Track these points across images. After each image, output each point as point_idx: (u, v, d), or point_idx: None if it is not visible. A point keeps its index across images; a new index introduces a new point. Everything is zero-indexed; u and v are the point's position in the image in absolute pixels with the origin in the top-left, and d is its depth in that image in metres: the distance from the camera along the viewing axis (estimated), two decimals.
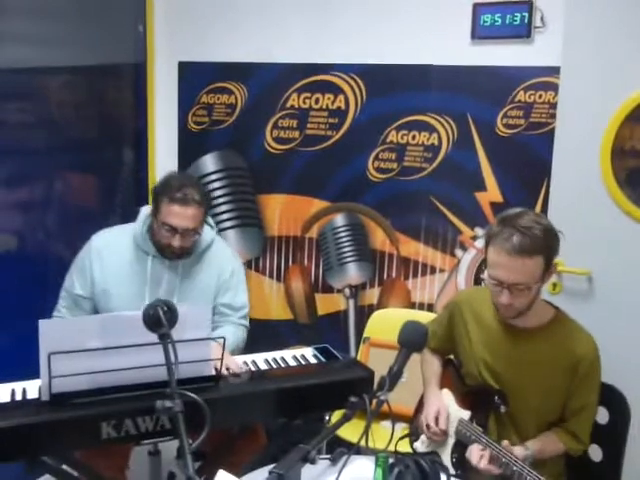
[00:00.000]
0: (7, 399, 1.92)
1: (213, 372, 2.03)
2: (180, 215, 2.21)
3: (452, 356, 2.30)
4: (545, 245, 1.86)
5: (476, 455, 1.87)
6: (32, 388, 1.95)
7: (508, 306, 1.91)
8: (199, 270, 2.40)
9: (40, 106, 3.05)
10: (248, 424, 2.29)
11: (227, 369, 2.10)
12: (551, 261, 1.89)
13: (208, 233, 2.43)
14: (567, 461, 2.08)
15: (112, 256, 2.35)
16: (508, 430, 2.03)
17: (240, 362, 2.21)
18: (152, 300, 2.25)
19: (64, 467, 2.04)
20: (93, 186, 3.41)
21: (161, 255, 2.33)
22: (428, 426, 2.12)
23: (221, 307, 2.45)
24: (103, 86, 3.34)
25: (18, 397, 1.93)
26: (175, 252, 2.29)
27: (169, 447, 1.93)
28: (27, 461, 1.85)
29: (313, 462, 1.52)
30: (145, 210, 2.38)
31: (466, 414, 2.08)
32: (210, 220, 2.49)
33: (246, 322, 2.55)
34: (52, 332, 1.80)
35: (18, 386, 1.98)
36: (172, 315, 1.66)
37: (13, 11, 2.81)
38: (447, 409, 2.14)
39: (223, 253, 2.48)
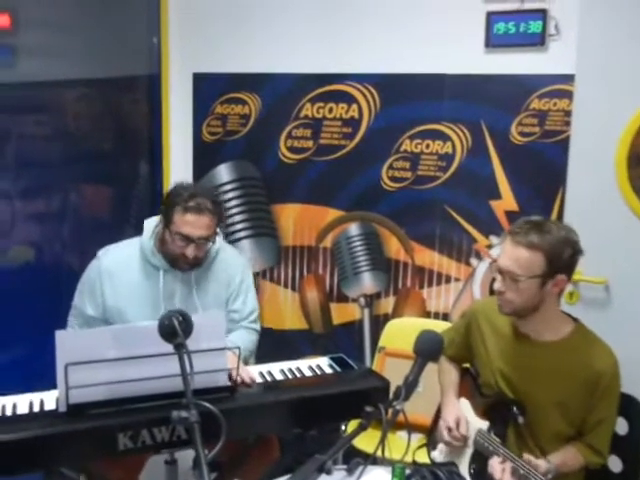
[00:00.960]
0: (25, 410, 1.93)
1: (228, 382, 2.03)
2: (195, 224, 2.21)
3: (469, 365, 2.29)
4: (553, 249, 1.85)
5: (498, 469, 1.86)
6: (50, 399, 1.96)
7: (500, 294, 1.93)
8: (210, 280, 2.40)
9: (56, 118, 3.09)
10: (263, 434, 2.29)
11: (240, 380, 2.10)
12: (556, 269, 1.88)
13: (215, 242, 2.44)
14: (586, 473, 2.06)
15: (123, 275, 2.33)
16: (527, 442, 2.01)
17: (254, 373, 2.21)
18: None
19: (81, 478, 2.05)
20: (108, 197, 3.44)
21: (172, 267, 2.32)
22: (449, 429, 2.10)
23: (232, 313, 2.45)
24: (118, 98, 3.38)
25: (36, 408, 1.94)
26: (189, 262, 2.28)
27: (186, 456, 1.94)
28: (45, 472, 1.87)
29: (329, 472, 1.52)
30: (151, 223, 2.37)
31: (484, 424, 2.06)
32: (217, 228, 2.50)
33: (257, 325, 2.55)
34: (69, 343, 1.82)
35: (36, 397, 2.00)
36: (187, 325, 1.67)
37: (28, 24, 2.85)
38: (466, 417, 2.13)
39: (231, 260, 2.48)
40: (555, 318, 2.00)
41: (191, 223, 2.20)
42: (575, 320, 2.04)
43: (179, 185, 2.32)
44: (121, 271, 2.33)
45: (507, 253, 1.89)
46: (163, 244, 2.30)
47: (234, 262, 2.49)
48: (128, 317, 2.30)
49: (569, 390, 1.95)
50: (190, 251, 2.24)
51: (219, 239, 2.45)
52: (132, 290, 2.32)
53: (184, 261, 2.27)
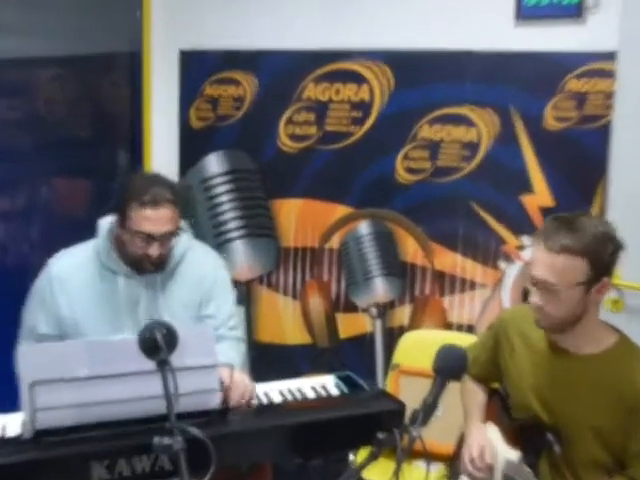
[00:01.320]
0: None
1: (219, 404, 2.02)
2: (155, 219, 2.19)
3: (497, 385, 2.28)
4: (594, 249, 1.83)
5: None
6: (13, 424, 1.94)
7: (538, 310, 1.92)
8: (177, 283, 2.39)
9: (25, 101, 3.09)
10: (259, 463, 2.28)
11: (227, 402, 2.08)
12: (601, 272, 1.86)
13: (182, 239, 2.43)
14: None
15: (77, 283, 2.31)
16: (563, 473, 1.99)
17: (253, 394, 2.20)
18: (132, 327, 2.28)
19: None
20: (84, 191, 3.44)
21: (135, 271, 2.31)
22: (472, 460, 2.08)
23: (206, 320, 2.44)
24: (95, 79, 3.38)
25: None
26: (154, 263, 2.28)
27: None
28: None
29: None
30: (105, 222, 2.35)
31: (514, 454, 2.04)
32: (183, 223, 2.49)
33: (239, 332, 2.53)
34: (34, 359, 1.80)
35: None
36: (171, 338, 1.66)
37: None
38: (493, 445, 2.11)
39: (203, 258, 2.47)
40: (597, 328, 1.98)
41: (150, 219, 2.19)
42: (619, 332, 2.02)
43: (132, 177, 2.33)
44: (74, 278, 2.32)
45: (540, 261, 1.87)
46: (122, 246, 2.29)
47: (205, 260, 2.49)
48: (86, 330, 2.29)
49: (608, 412, 1.93)
50: (154, 250, 2.23)
51: (187, 237, 2.44)
52: (88, 299, 2.31)
53: (149, 262, 2.27)
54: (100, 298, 2.32)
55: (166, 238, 2.25)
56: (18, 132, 3.08)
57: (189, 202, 2.38)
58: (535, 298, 1.91)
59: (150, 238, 2.22)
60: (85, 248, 2.39)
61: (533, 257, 1.92)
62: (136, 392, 1.82)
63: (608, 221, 1.95)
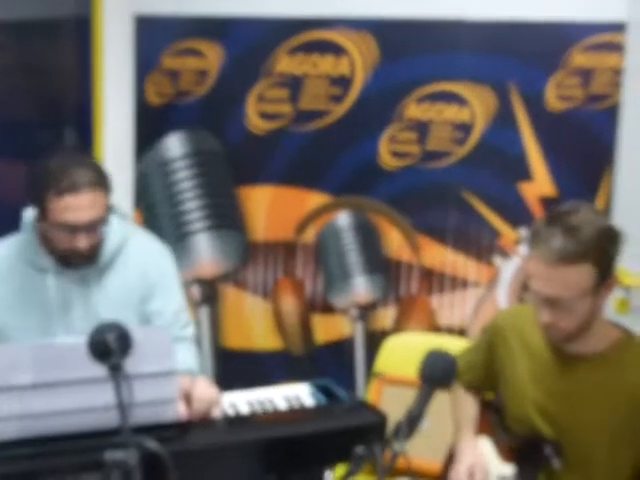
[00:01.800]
0: None
1: (178, 416, 2.03)
2: (77, 207, 2.16)
3: (491, 395, 2.31)
4: (596, 249, 1.87)
5: None
6: None
7: (551, 326, 1.93)
8: (116, 277, 2.38)
9: None
10: None
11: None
12: (607, 270, 1.90)
13: (118, 227, 2.42)
14: None
15: (0, 281, 2.31)
16: None
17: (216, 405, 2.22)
18: (65, 333, 2.28)
19: None
20: (21, 178, 3.42)
21: (64, 267, 2.32)
22: None
23: (152, 317, 2.44)
24: (37, 47, 3.36)
25: None
26: (84, 255, 2.27)
27: None
28: None
29: None
30: (30, 214, 2.33)
31: (509, 470, 2.08)
32: (120, 208, 2.48)
33: (190, 331, 2.54)
34: None
35: None
36: (124, 342, 1.67)
37: None
38: (485, 463, 2.15)
39: (145, 246, 2.47)
40: (601, 326, 2.03)
41: (72, 207, 2.17)
42: (618, 327, 2.07)
43: (46, 162, 2.31)
44: None
45: (544, 276, 1.87)
46: (46, 241, 2.30)
47: (148, 248, 2.48)
48: (12, 336, 2.29)
49: (618, 416, 1.97)
50: (82, 242, 2.20)
51: (124, 222, 2.45)
52: (12, 301, 2.30)
53: (78, 255, 2.27)
54: (27, 302, 2.30)
55: (93, 227, 2.22)
56: None
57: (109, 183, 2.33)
58: (545, 317, 1.91)
59: (74, 229, 2.21)
60: (7, 244, 2.37)
61: (533, 271, 1.91)
62: (85, 402, 1.83)
63: (599, 213, 1.97)
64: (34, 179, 2.24)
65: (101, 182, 2.23)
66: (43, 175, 2.21)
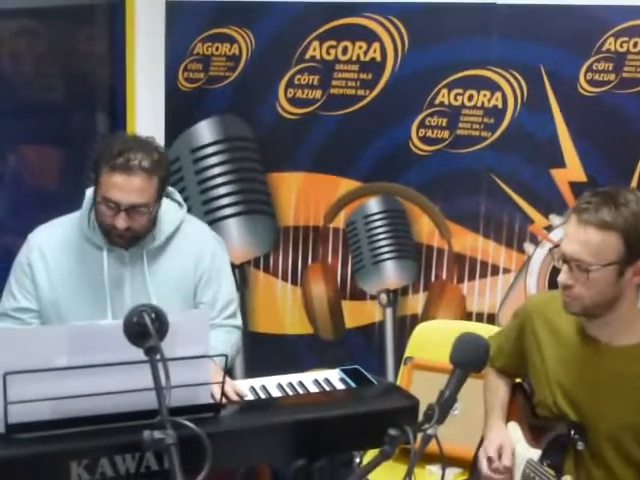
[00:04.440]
0: None
1: (211, 399, 2.05)
2: (123, 187, 2.21)
3: (522, 379, 2.32)
4: (631, 226, 1.86)
5: None
6: None
7: (566, 289, 1.94)
8: (169, 262, 2.42)
9: None
10: (256, 465, 2.32)
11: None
12: (636, 252, 1.90)
13: (175, 212, 2.46)
14: None
15: (58, 256, 2.36)
16: (591, 475, 2.04)
17: (243, 388, 2.24)
18: (116, 309, 2.30)
19: None
20: (57, 162, 3.45)
21: (110, 243, 2.35)
22: (490, 459, 2.13)
23: (203, 307, 2.46)
24: (70, 33, 3.38)
25: None
26: (122, 236, 2.29)
27: None
28: None
29: None
30: (91, 192, 2.38)
31: (536, 454, 2.09)
32: (177, 195, 2.51)
33: (236, 321, 2.57)
34: (7, 346, 1.83)
35: None
36: (161, 324, 1.68)
37: None
38: (513, 445, 2.16)
39: (198, 235, 2.50)
40: (633, 317, 2.01)
41: (119, 185, 2.21)
42: None
43: (112, 137, 2.33)
44: (56, 251, 2.37)
45: (573, 235, 1.91)
46: (96, 214, 2.33)
47: (202, 237, 2.51)
48: (65, 311, 2.34)
49: None
50: (120, 222, 2.24)
51: (183, 211, 2.47)
52: (69, 275, 2.36)
53: (116, 234, 2.29)
54: (81, 276, 2.36)
55: (135, 211, 2.25)
56: None
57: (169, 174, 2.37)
58: (564, 276, 1.94)
59: (117, 207, 2.24)
60: (68, 220, 2.43)
61: (565, 231, 1.96)
62: (121, 384, 1.85)
63: None
64: (97, 152, 2.28)
65: (156, 170, 2.26)
66: (104, 150, 2.25)
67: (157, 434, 1.47)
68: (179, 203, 2.51)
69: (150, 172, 2.24)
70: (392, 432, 1.63)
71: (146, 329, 1.64)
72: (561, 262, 1.95)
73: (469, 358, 1.76)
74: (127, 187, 2.22)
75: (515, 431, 2.21)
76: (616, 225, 1.86)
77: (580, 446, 2.01)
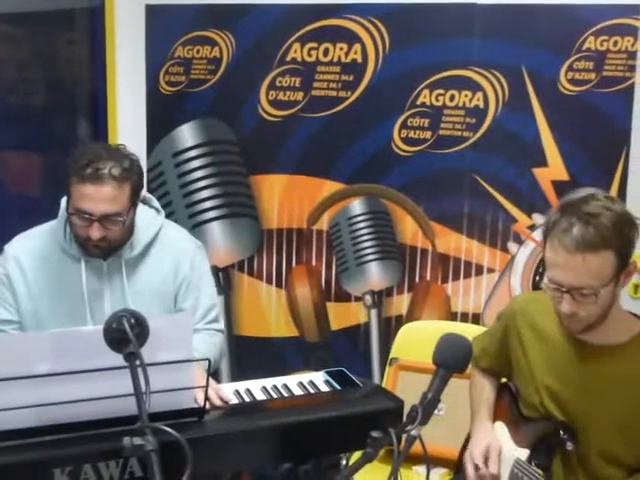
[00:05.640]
0: None
1: (195, 404, 2.05)
2: (93, 197, 2.20)
3: (506, 380, 2.32)
4: (616, 237, 1.86)
5: None
6: None
7: (571, 316, 1.93)
8: (148, 270, 2.41)
9: None
10: (241, 470, 2.31)
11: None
12: (627, 257, 1.90)
13: (153, 219, 2.45)
14: None
15: (35, 268, 2.35)
16: (578, 475, 2.04)
17: (227, 392, 2.23)
18: (95, 319, 2.30)
19: None
20: (36, 169, 3.43)
21: (85, 254, 2.33)
22: (476, 467, 2.13)
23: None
24: (49, 38, 3.36)
25: None
26: (98, 246, 2.29)
27: None
28: None
29: None
30: (65, 201, 2.36)
31: (524, 453, 2.09)
32: (155, 202, 2.51)
33: (219, 325, 2.56)
34: None
35: None
36: (141, 330, 1.68)
37: None
38: (499, 446, 2.15)
39: (177, 242, 2.49)
40: (619, 316, 2.02)
41: (89, 196, 2.21)
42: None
43: (82, 147, 2.32)
44: (33, 262, 2.36)
45: (568, 267, 1.87)
46: (71, 226, 2.32)
47: (181, 243, 2.50)
48: (45, 325, 2.32)
49: (634, 407, 1.97)
50: (95, 232, 2.24)
51: (161, 218, 2.46)
52: (48, 286, 2.35)
53: (91, 245, 2.29)
54: (60, 288, 2.34)
55: (109, 220, 2.24)
56: None
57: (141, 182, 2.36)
58: (566, 307, 1.90)
59: (89, 218, 2.23)
60: (43, 230, 2.41)
61: (552, 260, 1.90)
62: (104, 390, 1.85)
63: (616, 198, 1.97)
64: (66, 164, 2.27)
65: (127, 177, 2.25)
66: (73, 161, 2.25)
67: (137, 440, 1.46)
68: (157, 209, 2.50)
69: (120, 180, 2.23)
70: (374, 434, 1.63)
71: (125, 335, 1.64)
72: (557, 292, 1.91)
73: (452, 359, 1.76)
74: (98, 197, 2.21)
75: (502, 431, 2.21)
76: (607, 241, 1.85)
77: (569, 447, 2.02)
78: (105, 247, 2.30)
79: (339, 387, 2.32)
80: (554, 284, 1.91)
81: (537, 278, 2.99)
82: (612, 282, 1.89)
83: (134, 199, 2.31)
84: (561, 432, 2.02)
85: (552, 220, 1.91)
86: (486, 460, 2.13)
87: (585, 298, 1.89)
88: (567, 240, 1.85)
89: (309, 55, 3.26)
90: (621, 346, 2.01)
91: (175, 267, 2.44)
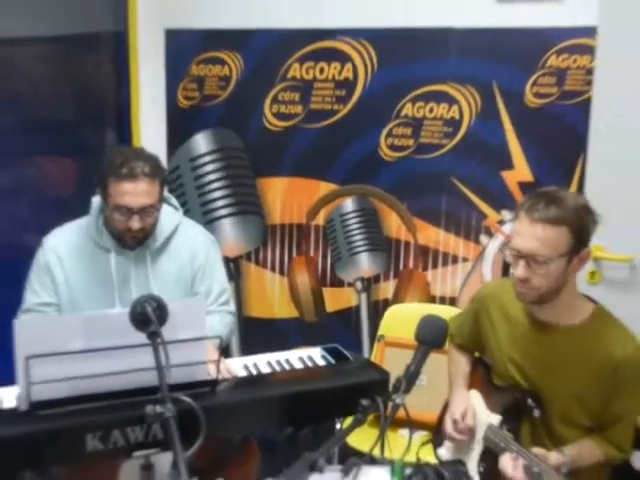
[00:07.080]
0: None
1: (208, 376, 2.06)
2: (132, 192, 2.22)
3: (479, 355, 2.33)
4: (575, 219, 1.87)
5: (510, 466, 1.89)
6: (8, 396, 1.97)
7: (524, 282, 1.93)
8: (169, 259, 2.43)
9: (7, 82, 3.07)
10: (249, 435, 2.32)
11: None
12: (581, 241, 1.90)
13: (172, 215, 2.46)
14: (612, 470, 2.09)
15: (72, 258, 2.36)
16: (542, 437, 2.06)
17: (235, 367, 2.24)
18: (123, 304, 2.31)
19: None
20: (69, 172, 3.43)
21: (122, 247, 2.35)
22: (454, 422, 2.14)
23: (199, 296, 2.47)
24: (80, 58, 3.36)
25: None
26: (137, 236, 2.31)
27: (163, 461, 1.96)
28: (5, 478, 1.89)
29: (321, 470, 1.55)
30: (97, 200, 2.38)
31: (496, 419, 2.10)
32: (173, 200, 2.52)
33: (229, 307, 2.57)
34: (29, 333, 1.83)
35: None
36: (162, 312, 1.69)
37: None
38: (474, 411, 2.17)
39: (193, 235, 2.51)
40: (574, 300, 2.02)
41: (128, 192, 2.22)
42: (595, 304, 2.06)
43: (111, 152, 2.34)
44: (70, 253, 2.37)
45: (528, 234, 1.89)
46: (107, 221, 2.33)
47: (197, 237, 2.52)
48: (79, 308, 2.34)
49: (588, 379, 1.98)
50: (134, 223, 2.26)
51: (179, 214, 2.48)
52: (82, 275, 2.36)
53: (131, 235, 2.30)
54: (93, 276, 2.36)
55: (145, 212, 2.26)
56: (3, 112, 3.07)
57: (166, 178, 2.37)
58: (520, 271, 1.91)
59: (130, 211, 2.24)
60: (77, 225, 2.43)
61: (516, 230, 1.93)
62: (128, 365, 1.85)
63: (583, 196, 1.99)
64: (101, 168, 2.28)
65: (157, 174, 2.28)
66: (107, 164, 2.26)
67: (158, 408, 1.48)
68: (175, 207, 2.51)
69: (152, 176, 2.25)
70: (364, 402, 1.65)
71: (148, 317, 1.65)
72: (516, 258, 1.94)
73: (431, 336, 1.78)
74: (135, 192, 2.23)
75: (476, 398, 2.21)
76: (566, 220, 1.87)
77: (536, 413, 2.03)
78: (141, 237, 2.33)
79: (334, 361, 2.33)
80: (514, 250, 1.93)
81: (505, 267, 3.01)
82: (564, 258, 1.90)
83: (162, 193, 2.33)
84: (529, 400, 2.03)
85: (524, 201, 1.94)
86: (463, 417, 2.15)
87: (538, 266, 1.89)
88: (532, 213, 1.88)
89: (307, 73, 3.26)
90: (575, 326, 2.01)
91: (191, 257, 2.46)
